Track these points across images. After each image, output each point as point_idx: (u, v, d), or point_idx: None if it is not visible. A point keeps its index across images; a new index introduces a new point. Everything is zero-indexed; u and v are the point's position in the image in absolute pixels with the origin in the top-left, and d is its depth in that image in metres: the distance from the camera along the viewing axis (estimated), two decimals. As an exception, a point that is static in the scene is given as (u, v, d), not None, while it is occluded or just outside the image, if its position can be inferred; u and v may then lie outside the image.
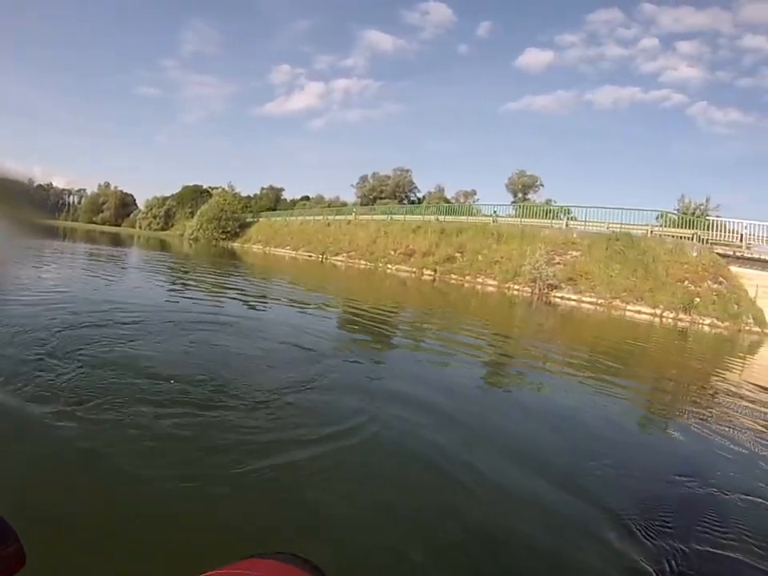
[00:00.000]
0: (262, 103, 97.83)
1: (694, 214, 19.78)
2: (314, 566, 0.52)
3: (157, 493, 1.77)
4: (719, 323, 15.72)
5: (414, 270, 21.66)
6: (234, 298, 7.78)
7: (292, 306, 8.12)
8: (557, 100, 73.56)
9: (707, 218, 18.98)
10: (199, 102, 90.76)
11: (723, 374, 6.95)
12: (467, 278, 19.57)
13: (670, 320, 15.76)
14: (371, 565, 1.59)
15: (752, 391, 5.53)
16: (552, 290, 16.99)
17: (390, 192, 37.75)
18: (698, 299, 16.26)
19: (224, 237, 39.25)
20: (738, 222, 18.32)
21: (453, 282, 19.62)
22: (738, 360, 9.32)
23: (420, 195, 38.76)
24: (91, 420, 2.20)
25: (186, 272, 12.77)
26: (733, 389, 5.64)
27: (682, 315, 15.97)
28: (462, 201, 34.94)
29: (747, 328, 15.98)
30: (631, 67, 64.24)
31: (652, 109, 63.13)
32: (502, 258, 19.01)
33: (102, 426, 2.17)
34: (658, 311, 16.06)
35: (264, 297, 9.07)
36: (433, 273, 20.79)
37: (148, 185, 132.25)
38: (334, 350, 4.55)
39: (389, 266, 23.23)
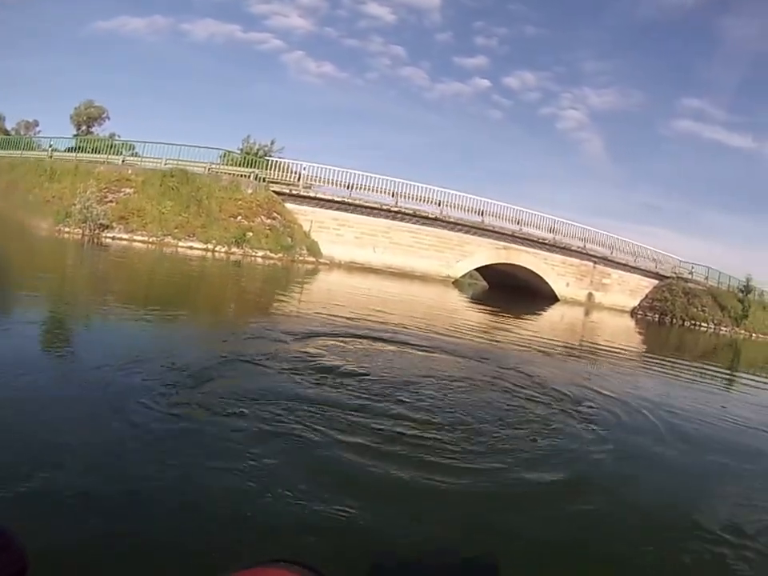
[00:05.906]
0: None
1: (257, 154, 21.68)
2: (320, 573, 0.54)
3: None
4: (272, 255, 18.09)
5: (-39, 219, 17.74)
6: None
7: None
8: (151, 24, 63.00)
9: (268, 158, 21.14)
10: None
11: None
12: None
13: (223, 254, 17.23)
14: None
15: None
16: (104, 231, 16.29)
17: (-49, 123, 28.95)
18: (250, 234, 18.17)
19: None
20: (298, 164, 21.01)
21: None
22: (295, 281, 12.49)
23: (-20, 126, 30.35)
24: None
25: None
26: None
27: (234, 249, 17.64)
28: (23, 132, 29.31)
29: (302, 258, 18.96)
30: (241, 5, 62.53)
31: (246, 49, 61.18)
32: (54, 197, 17.13)
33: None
34: (210, 246, 17.25)
35: None
36: (-16, 221, 17.40)
37: None
38: None
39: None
